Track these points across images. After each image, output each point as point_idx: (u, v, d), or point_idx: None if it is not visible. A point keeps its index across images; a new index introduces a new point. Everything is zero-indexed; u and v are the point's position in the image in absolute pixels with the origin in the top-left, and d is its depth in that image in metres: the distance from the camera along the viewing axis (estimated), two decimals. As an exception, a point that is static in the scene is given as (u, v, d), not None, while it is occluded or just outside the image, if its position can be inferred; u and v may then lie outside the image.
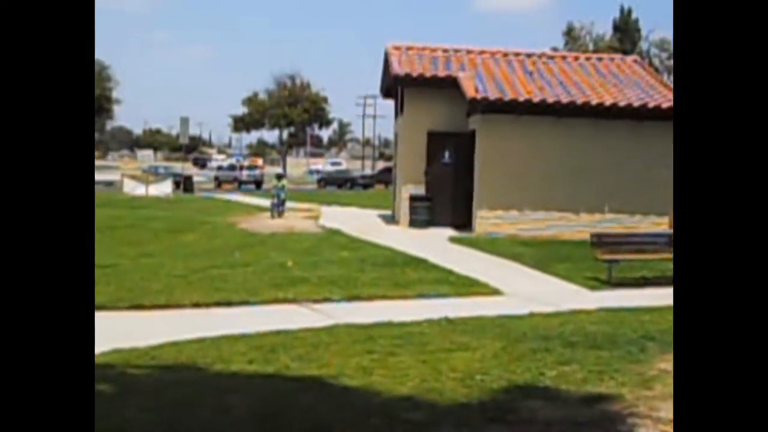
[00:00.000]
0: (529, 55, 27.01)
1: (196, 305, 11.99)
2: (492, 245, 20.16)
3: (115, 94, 71.08)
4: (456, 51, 26.75)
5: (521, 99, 22.94)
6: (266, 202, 38.26)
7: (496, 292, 13.82)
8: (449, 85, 24.47)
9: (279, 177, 30.15)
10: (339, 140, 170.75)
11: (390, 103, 31.42)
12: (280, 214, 27.80)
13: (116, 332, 10.00)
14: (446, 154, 25.12)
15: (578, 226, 21.91)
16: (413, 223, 24.72)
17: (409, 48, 26.80)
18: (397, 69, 25.14)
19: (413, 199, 25.02)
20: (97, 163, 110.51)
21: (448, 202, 24.75)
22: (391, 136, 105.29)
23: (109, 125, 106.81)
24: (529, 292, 13.80)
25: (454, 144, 24.96)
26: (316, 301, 12.49)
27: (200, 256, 17.46)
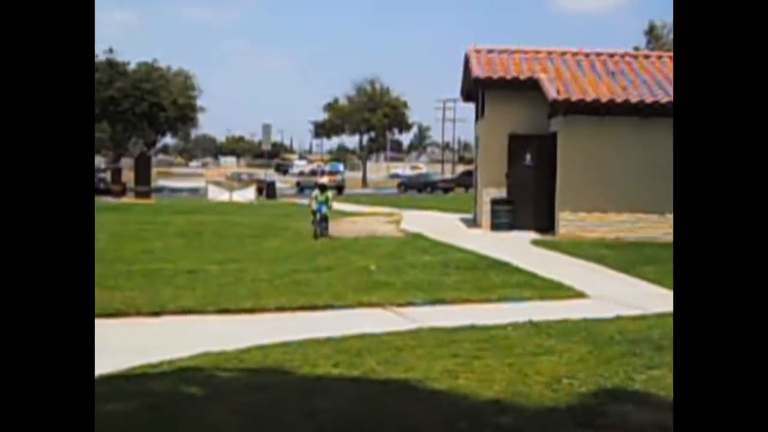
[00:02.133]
0: (611, 55, 26.61)
1: (281, 309, 12.11)
2: (575, 248, 19.92)
3: (199, 103, 72.30)
4: (536, 52, 26.52)
5: (604, 100, 22.64)
6: (348, 207, 38.53)
7: (580, 295, 13.65)
8: (530, 87, 24.29)
9: (322, 188, 24.30)
10: (419, 144, 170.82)
11: (470, 106, 31.33)
12: (324, 233, 22.64)
13: (204, 336, 10.18)
14: (528, 157, 24.93)
15: (664, 228, 21.50)
16: (495, 227, 24.59)
17: (489, 50, 26.68)
18: (478, 71, 25.06)
19: (495, 202, 24.89)
20: (182, 170, 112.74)
21: (530, 204, 24.55)
22: (470, 140, 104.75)
23: (194, 133, 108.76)
24: (615, 295, 13.59)
25: (536, 146, 24.75)
26: (399, 304, 12.51)
27: (284, 261, 17.65)
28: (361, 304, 12.55)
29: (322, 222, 22.79)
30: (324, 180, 27.32)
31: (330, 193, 24.25)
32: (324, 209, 22.88)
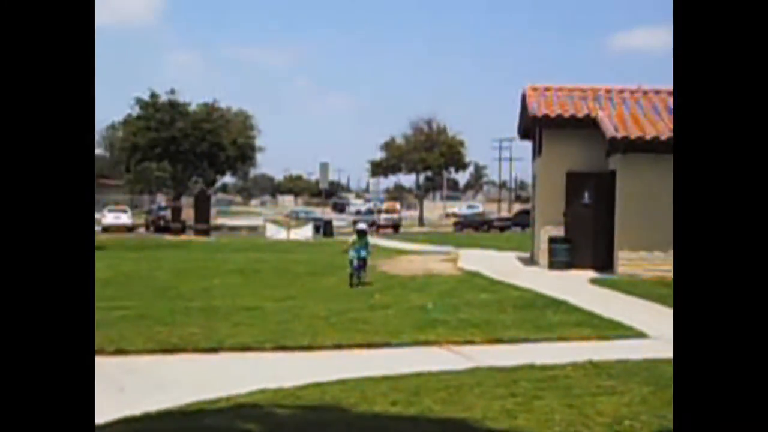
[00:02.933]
0: (670, 93, 26.37)
1: (338, 347, 12.11)
2: (635, 287, 19.63)
3: (258, 143, 73.19)
4: (594, 90, 26.40)
5: (663, 137, 22.40)
6: (405, 245, 38.52)
7: (641, 335, 13.42)
8: (588, 125, 24.17)
9: (360, 234, 21.49)
10: (475, 183, 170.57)
11: (527, 145, 31.26)
12: (360, 281, 20.50)
13: (262, 372, 10.21)
14: (586, 195, 24.73)
15: (727, 268, 21.05)
16: (553, 265, 24.37)
17: (546, 89, 26.63)
18: (535, 110, 25.02)
19: (552, 240, 24.69)
20: (241, 208, 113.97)
21: (588, 243, 24.31)
22: (527, 179, 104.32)
23: (252, 172, 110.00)
24: (677, 336, 13.31)
25: (594, 184, 24.56)
26: (456, 343, 12.42)
27: (341, 299, 17.67)
28: (417, 343, 12.49)
29: (359, 269, 20.63)
30: (362, 225, 23.08)
31: (369, 239, 21.92)
32: (365, 253, 20.86)
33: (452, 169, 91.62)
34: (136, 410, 8.14)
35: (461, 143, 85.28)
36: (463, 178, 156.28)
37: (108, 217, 57.22)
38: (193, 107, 68.47)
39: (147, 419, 7.94)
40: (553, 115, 24.82)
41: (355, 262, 20.55)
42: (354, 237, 21.48)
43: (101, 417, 7.84)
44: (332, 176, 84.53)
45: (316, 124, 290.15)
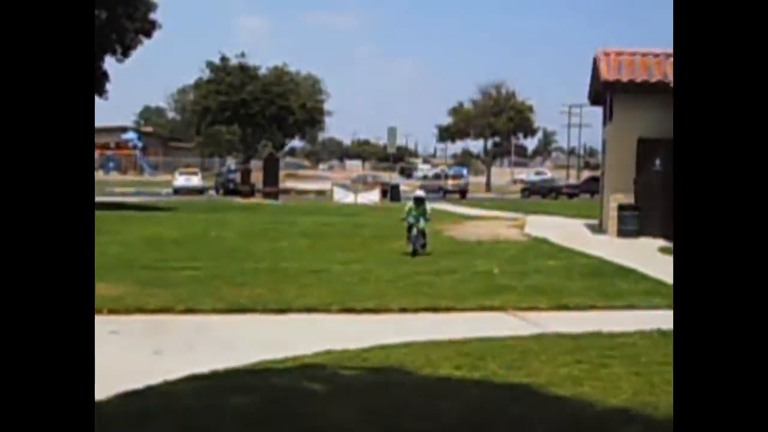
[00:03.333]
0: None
1: (404, 310, 12.15)
2: (707, 256, 19.26)
3: (326, 107, 73.41)
4: (667, 55, 25.79)
5: (740, 103, 21.83)
6: (472, 211, 38.40)
7: (712, 305, 13.19)
8: (660, 90, 23.66)
9: (418, 201, 19.86)
10: (543, 150, 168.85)
11: (596, 111, 30.79)
12: (422, 251, 19.23)
13: (328, 334, 10.30)
14: (657, 162, 24.27)
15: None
16: (622, 233, 24.05)
17: (618, 53, 26.10)
18: (606, 75, 24.58)
19: (622, 208, 24.34)
20: (309, 172, 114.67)
21: (658, 211, 23.87)
22: (596, 145, 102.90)
23: (321, 136, 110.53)
24: (749, 306, 13.05)
25: (666, 151, 24.08)
26: (522, 309, 12.36)
27: (407, 263, 17.71)
28: (483, 308, 12.46)
29: (419, 239, 19.20)
30: (420, 192, 21.46)
31: (428, 206, 20.03)
32: (423, 223, 19.30)
33: (520, 135, 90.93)
34: (205, 368, 8.28)
35: (530, 109, 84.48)
36: (531, 144, 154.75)
37: (179, 180, 58.05)
38: (262, 71, 68.88)
39: (215, 377, 8.08)
40: (624, 80, 24.36)
41: (414, 231, 19.09)
42: (410, 204, 19.85)
43: (171, 374, 8.02)
44: (400, 141, 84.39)
45: (385, 88, 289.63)
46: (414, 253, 18.72)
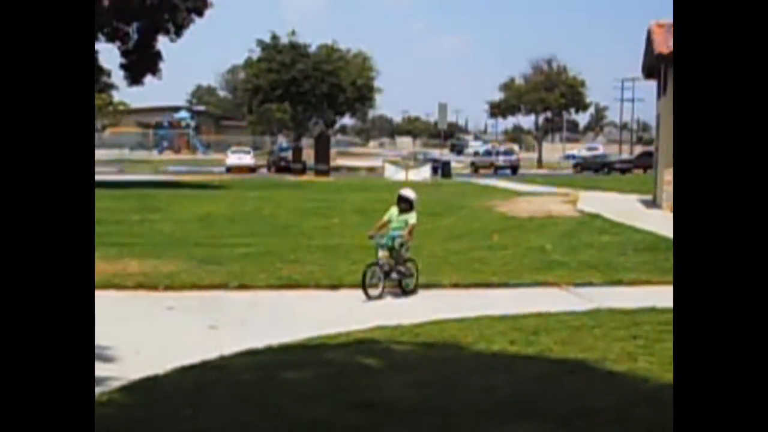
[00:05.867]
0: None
1: (456, 286, 12.14)
2: (765, 231, 18.94)
3: (376, 84, 73.21)
4: (725, 26, 25.28)
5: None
6: (524, 187, 38.15)
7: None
8: (717, 62, 23.20)
9: (403, 202, 12.18)
10: (595, 125, 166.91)
11: (651, 85, 30.29)
12: (405, 287, 11.75)
13: (380, 309, 10.33)
14: (713, 136, 23.86)
15: None
16: (677, 208, 23.72)
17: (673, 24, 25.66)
18: (661, 47, 24.16)
19: (677, 182, 23.99)
20: (360, 150, 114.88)
21: (715, 186, 23.51)
22: (649, 120, 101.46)
23: (371, 114, 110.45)
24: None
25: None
26: (576, 284, 12.28)
27: (459, 239, 17.67)
28: (536, 283, 12.40)
29: (385, 267, 11.57)
30: (408, 193, 12.27)
31: (414, 215, 12.07)
32: (398, 238, 11.75)
33: (572, 110, 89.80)
34: (259, 343, 8.36)
35: (582, 83, 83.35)
36: (583, 119, 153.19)
37: (231, 158, 58.42)
38: (313, 49, 68.89)
39: (269, 351, 8.16)
40: (680, 52, 23.93)
41: (380, 255, 11.69)
42: (392, 210, 12.25)
43: (226, 348, 8.11)
44: (450, 117, 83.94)
45: (435, 64, 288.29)
46: (368, 293, 11.19)
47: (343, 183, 41.34)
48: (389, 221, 12.08)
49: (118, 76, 42.49)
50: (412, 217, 12.02)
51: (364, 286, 11.14)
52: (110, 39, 41.24)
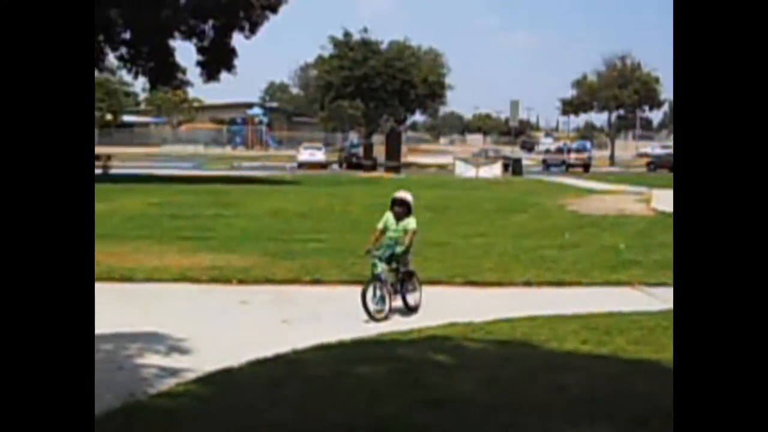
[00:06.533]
0: None
1: (528, 284, 12.08)
2: None
3: (447, 81, 73.10)
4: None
5: None
6: (596, 185, 37.70)
7: None
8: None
9: (399, 206, 10.72)
10: (669, 122, 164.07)
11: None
12: (385, 315, 10.00)
13: (451, 306, 10.34)
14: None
15: None
16: (755, 208, 23.22)
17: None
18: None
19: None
20: (430, 146, 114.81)
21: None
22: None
23: (442, 111, 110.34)
24: None
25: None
26: (649, 284, 12.11)
27: (530, 236, 17.56)
28: (609, 282, 12.27)
29: (384, 286, 10.16)
30: (404, 195, 10.80)
31: (413, 221, 10.66)
32: (398, 246, 10.42)
33: (646, 108, 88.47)
34: (331, 338, 8.44)
35: (656, 80, 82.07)
36: (657, 116, 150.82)
37: (303, 154, 58.93)
38: (384, 45, 69.11)
39: (342, 346, 8.24)
40: (760, 48, 23.42)
41: (379, 270, 10.23)
42: (387, 217, 10.76)
43: (299, 343, 8.21)
44: (522, 114, 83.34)
45: (508, 61, 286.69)
46: (371, 314, 9.86)
47: (414, 180, 41.36)
48: (385, 230, 10.64)
49: (193, 73, 43.17)
50: (411, 223, 10.60)
51: (364, 304, 9.79)
52: (186, 36, 41.97)
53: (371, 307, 9.87)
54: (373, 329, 8.93)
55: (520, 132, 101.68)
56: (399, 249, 10.32)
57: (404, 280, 10.43)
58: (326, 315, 10.01)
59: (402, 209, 10.61)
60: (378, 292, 10.05)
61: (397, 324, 9.24)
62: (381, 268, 10.18)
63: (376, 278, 10.12)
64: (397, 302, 10.22)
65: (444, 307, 10.36)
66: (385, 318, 9.90)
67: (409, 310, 10.29)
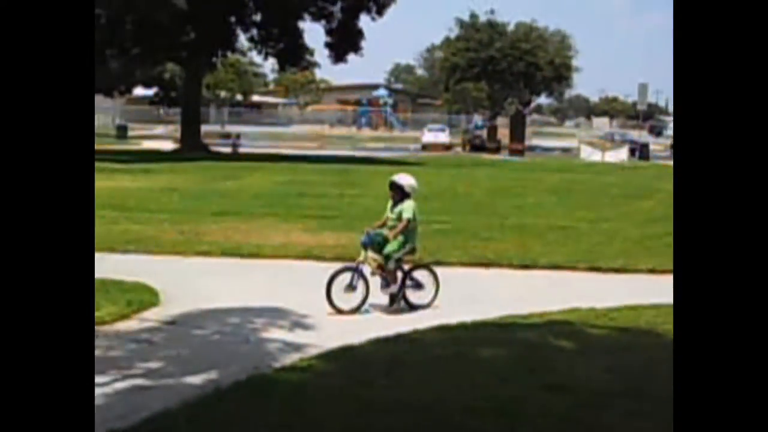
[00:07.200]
0: None
1: (653, 271, 11.82)
2: None
3: (574, 63, 71.91)
4: None
5: None
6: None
7: None
8: None
9: (393, 190, 9.64)
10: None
11: None
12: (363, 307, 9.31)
13: (574, 291, 10.23)
14: None
15: None
16: None
17: None
18: None
19: None
20: (555, 129, 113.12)
21: None
22: None
23: (568, 93, 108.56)
24: None
25: None
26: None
27: (656, 223, 17.12)
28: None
29: (359, 274, 9.34)
30: (404, 179, 9.56)
31: (409, 208, 9.46)
32: (387, 248, 9.44)
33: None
34: (452, 319, 8.48)
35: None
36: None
37: (427, 136, 58.96)
38: (511, 27, 68.50)
39: (462, 328, 8.27)
40: None
41: (362, 257, 9.46)
42: (389, 205, 9.71)
43: (419, 323, 8.29)
44: (650, 98, 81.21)
45: (637, 43, 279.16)
46: (335, 306, 9.09)
47: (538, 163, 40.98)
48: (387, 216, 9.63)
49: (321, 55, 43.84)
50: (406, 210, 9.38)
51: (329, 296, 8.99)
52: (315, 18, 42.64)
53: (334, 296, 9.01)
54: (493, 311, 8.91)
55: (648, 116, 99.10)
56: (389, 248, 9.38)
57: (412, 274, 9.59)
58: (446, 296, 10.03)
59: (397, 194, 9.56)
60: (351, 282, 9.18)
61: (517, 306, 9.18)
62: (363, 256, 9.38)
63: (349, 268, 9.32)
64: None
65: (566, 291, 10.27)
66: (355, 311, 9.09)
67: (411, 307, 9.43)
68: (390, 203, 9.65)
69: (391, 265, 9.43)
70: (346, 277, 9.18)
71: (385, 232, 9.42)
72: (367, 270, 9.30)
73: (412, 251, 9.69)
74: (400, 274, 9.55)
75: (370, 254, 9.32)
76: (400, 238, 9.40)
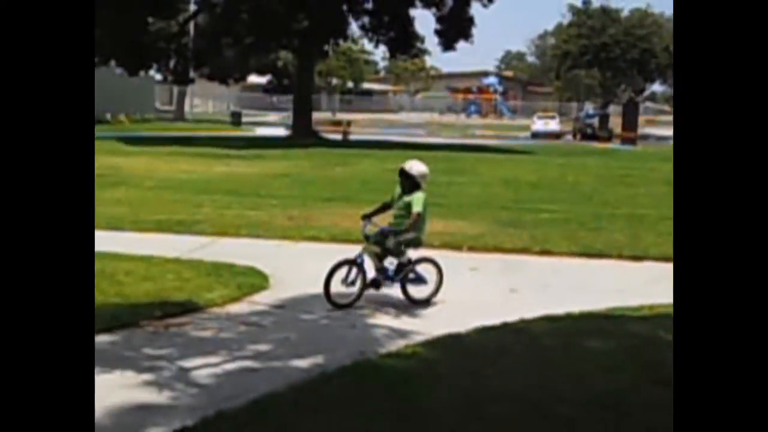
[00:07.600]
0: None
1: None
2: None
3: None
4: None
5: None
6: None
7: None
8: None
9: (402, 178, 9.09)
10: None
11: None
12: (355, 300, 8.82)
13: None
14: None
15: None
16: None
17: None
18: None
19: None
20: (669, 118, 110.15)
21: None
22: None
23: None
24: None
25: None
26: None
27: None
28: None
29: (378, 276, 9.05)
30: (415, 166, 8.98)
31: (419, 199, 8.90)
32: (388, 230, 9.04)
33: None
34: (559, 309, 8.40)
35: None
36: None
37: (537, 124, 58.31)
38: (625, 13, 67.08)
39: (569, 318, 8.18)
40: None
41: (363, 248, 9.06)
42: (397, 191, 9.22)
43: (526, 312, 8.24)
44: None
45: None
46: (332, 300, 8.63)
47: (651, 152, 40.04)
48: (391, 204, 9.18)
49: (431, 42, 43.91)
50: (416, 203, 8.86)
51: (326, 290, 8.54)
52: (426, 5, 42.64)
53: (332, 291, 8.58)
54: (602, 302, 8.77)
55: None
56: (390, 242, 8.95)
57: (408, 268, 9.02)
58: (554, 286, 9.95)
59: (406, 183, 9.03)
60: (350, 276, 8.77)
61: (627, 298, 9.00)
62: (364, 247, 9.02)
63: (349, 260, 8.81)
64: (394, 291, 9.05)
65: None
66: (349, 305, 8.67)
67: (412, 302, 8.93)
68: (398, 190, 9.12)
69: (404, 249, 9.00)
70: (345, 271, 8.77)
71: (403, 224, 8.91)
72: (368, 263, 8.96)
73: (418, 244, 9.20)
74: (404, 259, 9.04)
75: (373, 248, 9.00)
76: (406, 226, 8.90)
